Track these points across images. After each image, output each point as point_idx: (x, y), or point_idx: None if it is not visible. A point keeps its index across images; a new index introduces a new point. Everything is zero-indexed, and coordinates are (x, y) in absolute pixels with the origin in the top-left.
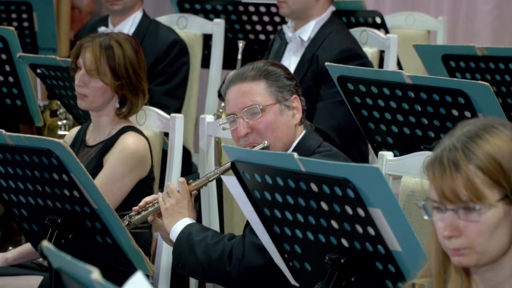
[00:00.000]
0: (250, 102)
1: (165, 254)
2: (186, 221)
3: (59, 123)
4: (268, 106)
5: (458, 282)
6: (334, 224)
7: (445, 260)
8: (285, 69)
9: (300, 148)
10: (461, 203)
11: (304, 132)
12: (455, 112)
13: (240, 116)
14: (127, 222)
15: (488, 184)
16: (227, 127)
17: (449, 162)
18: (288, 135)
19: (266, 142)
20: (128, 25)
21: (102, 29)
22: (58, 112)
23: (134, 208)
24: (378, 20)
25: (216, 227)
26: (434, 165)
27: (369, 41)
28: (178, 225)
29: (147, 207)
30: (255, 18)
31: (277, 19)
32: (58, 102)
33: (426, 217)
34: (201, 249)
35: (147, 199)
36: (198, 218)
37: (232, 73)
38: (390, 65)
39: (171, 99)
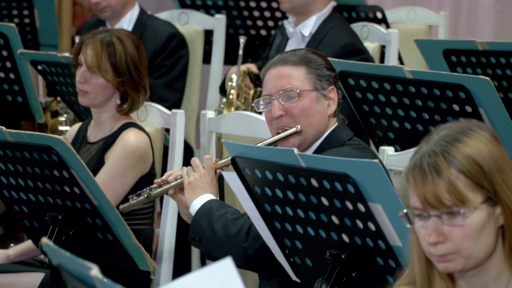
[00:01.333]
0: (287, 85)
1: (166, 250)
2: (207, 196)
3: (60, 118)
4: (305, 92)
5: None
6: (335, 219)
7: (428, 267)
8: (326, 59)
9: (331, 139)
10: (444, 208)
11: (336, 123)
12: (456, 107)
13: (276, 98)
14: (146, 194)
15: (470, 187)
16: (261, 109)
17: (430, 167)
18: (321, 123)
19: (299, 126)
20: (126, 24)
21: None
22: (58, 108)
23: (156, 180)
24: (379, 15)
25: None
26: (415, 172)
27: (370, 36)
28: (199, 200)
29: (169, 180)
30: (256, 13)
31: (278, 14)
32: (57, 102)
33: (408, 226)
34: (220, 224)
35: (171, 172)
36: None
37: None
38: (391, 60)
39: (170, 92)
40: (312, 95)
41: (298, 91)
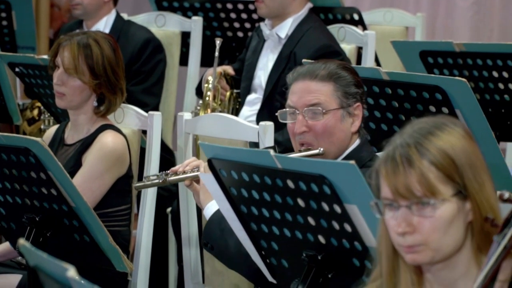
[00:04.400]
0: (314, 100)
1: (143, 251)
2: None
3: (42, 117)
4: (331, 111)
5: (408, 282)
6: (311, 220)
7: (395, 260)
8: (355, 75)
9: (352, 158)
10: (415, 198)
11: (358, 141)
12: (432, 108)
13: (301, 113)
14: (162, 179)
15: (441, 179)
16: (285, 118)
17: (402, 158)
18: (344, 142)
19: (321, 149)
20: (101, 27)
21: None
22: (33, 115)
23: (173, 168)
24: (355, 16)
25: (194, 224)
26: (387, 162)
27: (347, 37)
28: (214, 204)
29: (186, 170)
30: (233, 15)
31: (255, 16)
32: (31, 109)
33: (378, 216)
34: (233, 240)
35: (189, 161)
36: (177, 216)
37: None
38: (368, 61)
39: (149, 97)
40: (338, 113)
41: (324, 110)
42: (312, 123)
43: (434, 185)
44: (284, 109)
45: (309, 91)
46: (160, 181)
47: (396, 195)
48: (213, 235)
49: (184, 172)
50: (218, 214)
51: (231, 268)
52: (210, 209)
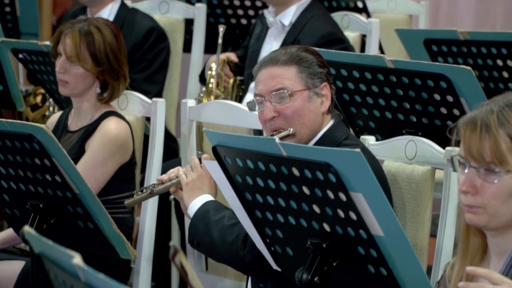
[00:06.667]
0: (279, 85)
1: (146, 239)
2: (205, 197)
3: (46, 103)
4: (297, 92)
5: (475, 244)
6: (316, 208)
7: (469, 227)
8: (318, 56)
9: (327, 138)
10: (483, 163)
11: (332, 121)
12: (437, 97)
13: (268, 99)
14: (149, 191)
15: None
16: (254, 109)
17: (482, 122)
18: (315, 122)
19: (291, 129)
20: (106, 15)
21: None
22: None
23: (158, 178)
24: (359, 4)
25: None
26: (467, 123)
27: (350, 25)
28: (197, 202)
29: (171, 178)
30: (236, 2)
31: (258, 3)
32: (35, 95)
33: (450, 170)
34: (217, 230)
35: (173, 169)
36: (180, 203)
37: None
38: (372, 49)
39: (151, 85)
40: (304, 94)
41: (289, 92)
42: (280, 107)
43: (504, 155)
44: (251, 100)
45: (273, 76)
46: (149, 192)
47: (468, 155)
48: (198, 231)
49: (169, 180)
50: (201, 210)
51: (219, 261)
52: (193, 207)
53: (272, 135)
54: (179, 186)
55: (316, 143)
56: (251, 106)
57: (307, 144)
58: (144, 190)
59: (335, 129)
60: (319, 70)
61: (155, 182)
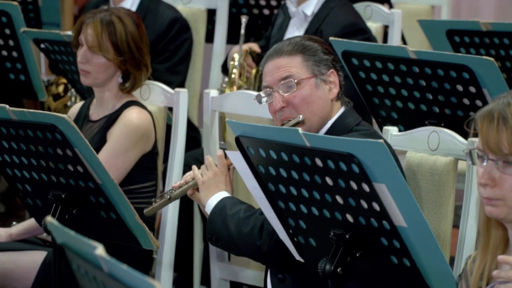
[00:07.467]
0: (285, 73)
1: (169, 229)
2: (221, 194)
3: (68, 93)
4: (303, 80)
5: (497, 236)
6: (339, 199)
7: (489, 220)
8: (322, 44)
9: (338, 125)
10: (502, 155)
11: (342, 108)
12: (459, 87)
13: (275, 90)
14: (168, 197)
15: None
16: (264, 101)
17: (499, 115)
18: (324, 109)
19: (300, 116)
20: (128, 5)
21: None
22: (59, 90)
23: (174, 185)
24: None
25: None
26: (484, 115)
27: (373, 16)
28: (213, 199)
29: (187, 180)
30: None
31: None
32: (57, 85)
33: (469, 163)
34: (233, 223)
35: (188, 173)
36: None
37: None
38: (395, 40)
39: (174, 76)
40: (311, 82)
41: (296, 80)
42: (288, 96)
43: None
44: (259, 92)
45: (279, 67)
46: (167, 198)
47: (486, 148)
48: (216, 227)
49: (186, 183)
50: (218, 206)
51: (238, 255)
52: (210, 204)
53: (282, 125)
54: (195, 188)
55: (328, 131)
56: (259, 99)
57: (319, 132)
58: (163, 196)
59: (346, 116)
60: (325, 57)
61: (170, 189)
